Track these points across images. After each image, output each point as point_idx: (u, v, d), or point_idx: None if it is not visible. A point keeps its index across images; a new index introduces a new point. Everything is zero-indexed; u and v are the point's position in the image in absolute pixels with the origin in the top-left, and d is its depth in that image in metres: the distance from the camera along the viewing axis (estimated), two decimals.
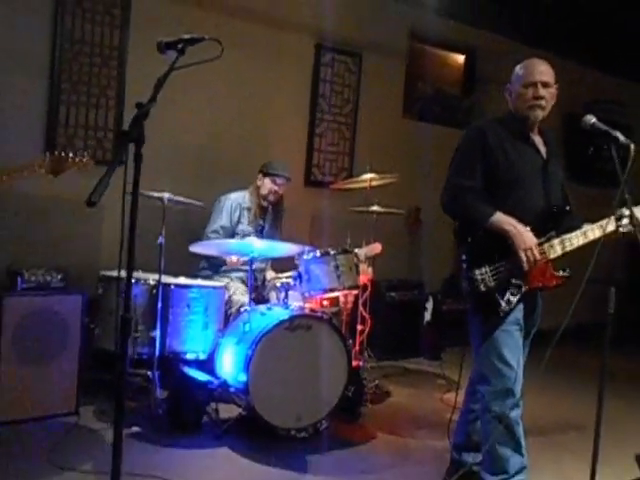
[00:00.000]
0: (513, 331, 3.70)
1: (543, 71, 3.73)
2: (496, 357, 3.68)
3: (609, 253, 3.54)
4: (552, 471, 4.51)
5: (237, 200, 5.75)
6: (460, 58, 8.83)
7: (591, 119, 3.60)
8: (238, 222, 5.71)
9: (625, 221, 3.55)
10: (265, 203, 5.76)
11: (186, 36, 2.63)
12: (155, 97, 2.52)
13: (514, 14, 7.39)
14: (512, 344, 3.69)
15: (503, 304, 3.63)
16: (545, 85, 3.70)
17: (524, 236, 3.56)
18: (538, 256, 3.57)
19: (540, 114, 3.75)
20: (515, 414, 3.66)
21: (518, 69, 3.82)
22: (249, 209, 5.75)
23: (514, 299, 3.65)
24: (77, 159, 3.81)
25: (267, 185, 5.69)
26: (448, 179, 3.81)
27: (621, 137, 3.47)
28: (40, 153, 5.30)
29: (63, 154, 3.79)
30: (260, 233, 5.55)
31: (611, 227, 3.58)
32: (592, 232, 3.70)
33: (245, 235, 5.55)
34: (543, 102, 3.72)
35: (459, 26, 8.12)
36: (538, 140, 3.88)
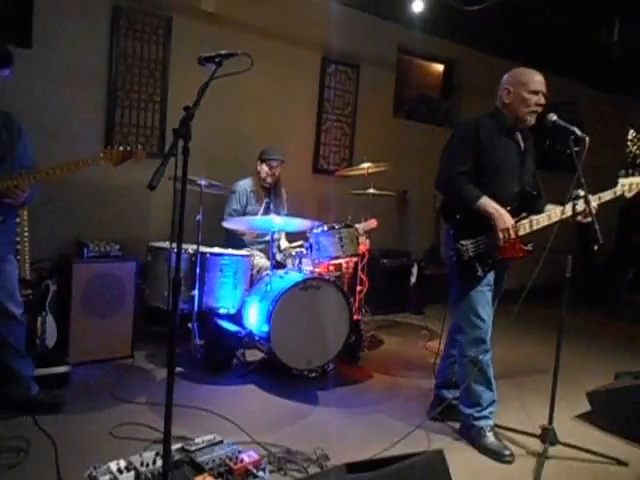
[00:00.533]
0: (486, 291, 3.76)
1: (544, 83, 3.70)
2: (471, 312, 3.74)
3: (568, 227, 3.61)
4: (517, 405, 4.55)
5: (244, 186, 5.72)
6: (440, 68, 8.76)
7: (552, 117, 3.63)
8: (247, 204, 5.69)
9: (580, 204, 3.58)
10: (266, 184, 5.72)
11: (223, 52, 2.62)
12: (199, 102, 2.51)
13: (485, 30, 7.33)
14: (484, 302, 3.75)
15: (479, 270, 3.69)
16: (544, 95, 3.70)
17: (504, 218, 3.59)
18: (513, 235, 3.61)
19: (534, 118, 3.74)
20: (486, 358, 3.74)
21: (521, 75, 3.74)
22: (254, 192, 5.72)
23: (488, 266, 3.71)
24: (132, 150, 3.77)
25: (264, 169, 5.64)
26: (443, 163, 3.78)
27: (578, 131, 3.52)
28: (101, 147, 5.38)
29: (121, 147, 3.78)
30: (267, 210, 5.63)
31: (569, 212, 3.60)
32: (555, 215, 3.71)
33: (253, 213, 5.61)
34: (540, 109, 3.71)
35: (439, 41, 8.05)
36: (519, 136, 3.86)
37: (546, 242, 3.53)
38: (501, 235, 3.60)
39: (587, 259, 8.46)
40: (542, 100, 3.70)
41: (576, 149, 3.53)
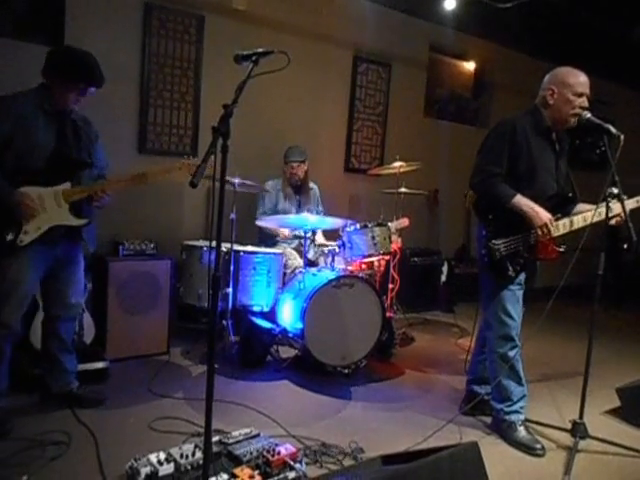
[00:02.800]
0: (516, 290, 3.78)
1: (588, 84, 3.69)
2: (501, 310, 3.78)
3: (599, 225, 3.61)
4: (547, 401, 4.58)
5: (273, 186, 5.81)
6: (471, 66, 8.76)
7: (587, 114, 3.63)
8: (277, 203, 5.77)
9: (614, 204, 3.57)
10: (293, 183, 5.83)
11: (259, 50, 2.61)
12: (237, 100, 2.52)
13: (517, 28, 7.33)
14: (514, 300, 3.78)
15: (511, 269, 3.71)
16: (587, 97, 3.69)
17: (540, 214, 3.61)
18: (552, 230, 3.62)
19: (577, 120, 3.70)
20: (515, 353, 3.77)
21: (566, 76, 3.71)
22: (283, 190, 5.81)
23: (519, 266, 3.73)
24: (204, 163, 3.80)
25: (288, 170, 5.75)
26: (478, 164, 3.79)
27: (612, 129, 3.50)
28: (134, 147, 5.53)
29: (196, 158, 3.84)
30: (298, 207, 5.72)
31: (603, 215, 3.58)
32: (590, 216, 3.70)
33: (284, 212, 5.70)
34: (583, 112, 3.68)
35: (471, 39, 8.08)
36: (555, 137, 3.84)
37: (576, 242, 3.56)
38: (539, 231, 3.62)
39: (617, 257, 8.45)
40: (586, 102, 3.68)
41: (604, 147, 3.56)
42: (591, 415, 3.97)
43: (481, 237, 3.82)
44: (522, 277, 3.80)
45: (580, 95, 3.67)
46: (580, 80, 3.69)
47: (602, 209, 3.61)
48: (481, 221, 3.87)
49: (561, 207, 3.79)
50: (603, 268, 3.58)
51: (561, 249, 3.74)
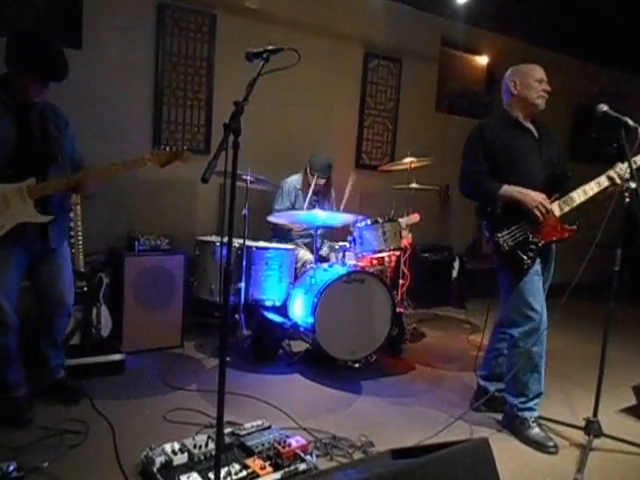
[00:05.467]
0: (535, 281, 3.76)
1: (544, 72, 3.89)
2: (523, 304, 3.75)
3: (614, 222, 3.60)
4: (561, 398, 4.58)
5: (292, 183, 5.81)
6: (483, 60, 8.67)
7: (603, 107, 3.63)
8: (295, 201, 5.78)
9: (619, 168, 3.62)
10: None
11: (270, 47, 2.63)
12: (248, 97, 2.52)
13: (531, 21, 7.32)
14: (535, 291, 3.76)
15: (525, 258, 3.69)
16: (547, 83, 3.86)
17: (531, 195, 3.63)
18: (549, 207, 3.64)
19: (544, 102, 3.84)
20: (538, 349, 3.77)
21: (524, 68, 3.91)
22: (302, 190, 5.79)
23: (534, 253, 3.71)
24: (178, 152, 3.78)
25: (311, 179, 5.60)
26: (462, 168, 3.91)
27: (630, 121, 3.50)
28: (148, 145, 5.56)
29: (167, 149, 3.81)
30: (312, 206, 5.62)
31: (606, 183, 3.64)
32: (590, 188, 3.72)
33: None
34: (547, 95, 3.84)
35: (483, 33, 8.06)
36: (530, 125, 3.92)
37: (593, 237, 3.52)
38: (537, 212, 3.63)
39: (634, 254, 8.41)
40: (548, 87, 3.85)
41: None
42: (606, 413, 3.96)
43: (487, 234, 3.87)
44: (539, 266, 3.78)
45: (540, 81, 3.85)
46: (537, 69, 3.92)
47: (600, 179, 3.70)
48: (482, 218, 3.92)
49: (555, 189, 3.80)
50: (619, 264, 3.55)
51: (573, 227, 3.74)
